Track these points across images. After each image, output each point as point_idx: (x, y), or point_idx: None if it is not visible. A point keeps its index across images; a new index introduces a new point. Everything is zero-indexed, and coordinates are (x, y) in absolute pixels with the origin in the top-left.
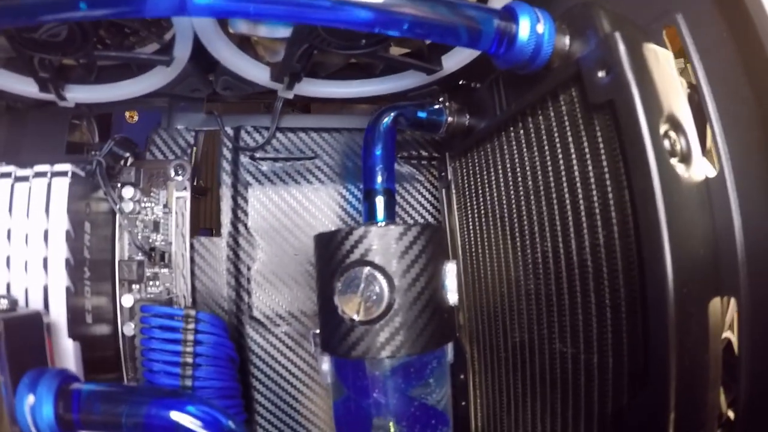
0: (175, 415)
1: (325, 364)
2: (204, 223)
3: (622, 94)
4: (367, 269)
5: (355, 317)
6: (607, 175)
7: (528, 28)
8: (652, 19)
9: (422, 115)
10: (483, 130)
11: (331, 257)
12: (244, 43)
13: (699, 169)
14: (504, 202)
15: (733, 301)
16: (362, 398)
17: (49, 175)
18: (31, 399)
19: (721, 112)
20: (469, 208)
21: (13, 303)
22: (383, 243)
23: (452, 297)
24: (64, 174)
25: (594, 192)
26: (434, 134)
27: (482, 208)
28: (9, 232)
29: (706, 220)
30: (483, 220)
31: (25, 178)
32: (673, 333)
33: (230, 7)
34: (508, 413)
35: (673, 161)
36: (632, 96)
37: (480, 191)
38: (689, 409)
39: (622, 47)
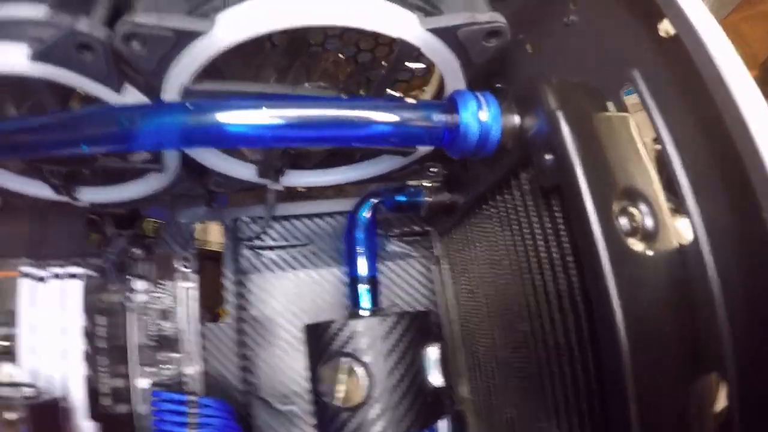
0: None
1: None
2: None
3: (567, 178)
4: (346, 359)
5: (338, 404)
6: (569, 259)
7: (471, 116)
8: (610, 80)
9: (401, 198)
10: (462, 207)
11: (316, 347)
12: None
13: (669, 240)
14: (488, 280)
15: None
16: None
17: (64, 277)
18: None
19: (689, 171)
20: (460, 283)
21: (37, 392)
22: (361, 334)
23: (436, 379)
24: (77, 276)
25: (560, 275)
26: (417, 214)
27: (471, 284)
28: (33, 326)
29: (682, 294)
30: (473, 296)
31: (42, 278)
32: (636, 425)
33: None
34: None
35: (632, 240)
36: (576, 181)
37: (467, 268)
38: None
39: (564, 128)
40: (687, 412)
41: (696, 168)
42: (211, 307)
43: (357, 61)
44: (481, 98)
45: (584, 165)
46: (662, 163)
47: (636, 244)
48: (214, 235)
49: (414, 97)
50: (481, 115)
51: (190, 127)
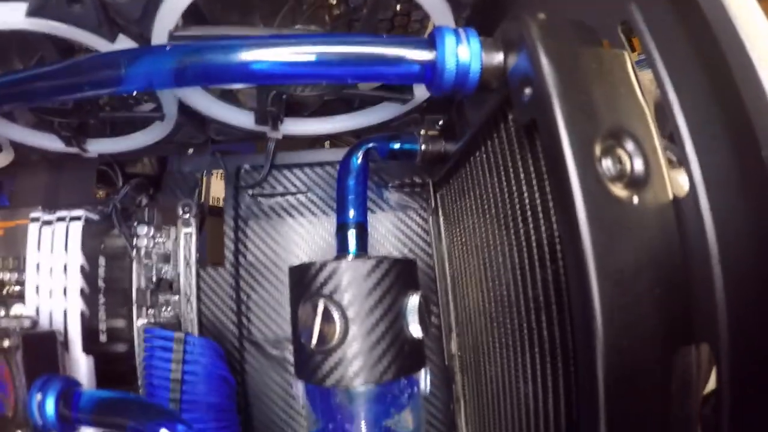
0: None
1: (299, 389)
2: (210, 255)
3: (543, 112)
4: (322, 300)
5: (313, 345)
6: (550, 204)
7: (449, 52)
8: (606, 17)
9: (395, 145)
10: (455, 155)
11: (297, 288)
12: (226, 93)
13: (660, 189)
14: (478, 230)
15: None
16: (330, 426)
17: (67, 219)
18: (38, 397)
19: (688, 116)
20: (453, 236)
21: (34, 323)
22: (340, 275)
23: (415, 330)
24: (78, 219)
25: (542, 223)
26: (412, 163)
27: (463, 236)
28: (38, 265)
29: (670, 250)
30: (465, 249)
31: (49, 222)
32: (602, 392)
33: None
34: None
35: (616, 186)
36: (552, 114)
37: (460, 219)
38: None
39: (543, 59)
40: (668, 384)
41: (696, 113)
42: (213, 261)
43: (345, 2)
44: (462, 34)
45: (563, 98)
46: (660, 108)
47: (620, 190)
48: (218, 190)
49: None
50: (460, 51)
51: (176, 67)
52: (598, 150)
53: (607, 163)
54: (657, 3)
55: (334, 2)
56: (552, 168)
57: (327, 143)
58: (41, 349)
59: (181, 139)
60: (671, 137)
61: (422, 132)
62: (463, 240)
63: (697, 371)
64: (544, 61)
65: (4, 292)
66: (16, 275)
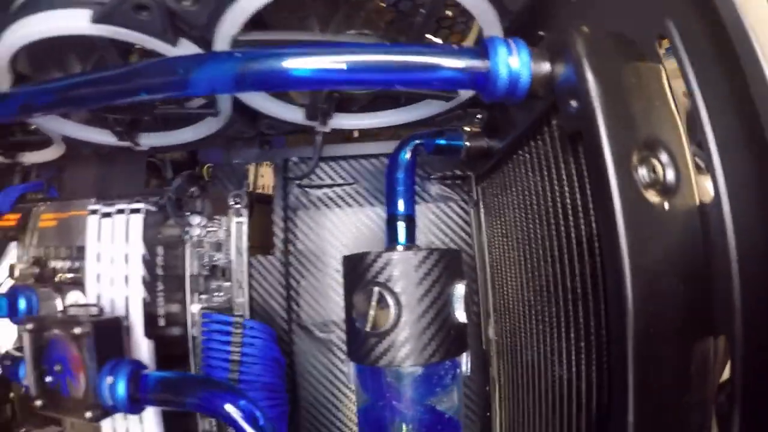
0: (228, 406)
1: (350, 369)
2: (257, 240)
3: (588, 125)
4: (378, 288)
5: (368, 329)
6: (591, 206)
7: (501, 62)
8: (644, 30)
9: (441, 142)
10: (499, 153)
11: (352, 276)
12: None
13: (689, 195)
14: (519, 224)
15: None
16: (379, 403)
17: (127, 211)
18: (109, 380)
19: (716, 128)
20: (494, 227)
21: (100, 310)
22: (393, 265)
23: (461, 315)
24: (138, 211)
25: (582, 222)
26: (456, 158)
27: (504, 228)
28: (98, 255)
29: (695, 251)
30: (505, 240)
31: (109, 214)
32: (632, 374)
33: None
34: (524, 427)
35: (650, 192)
36: (596, 128)
37: (501, 212)
38: None
39: (589, 75)
40: (688, 369)
41: (722, 125)
42: (261, 247)
43: (397, 8)
44: (512, 44)
45: (606, 113)
46: (692, 119)
47: (653, 196)
48: (266, 179)
49: (455, 39)
50: (511, 61)
51: (238, 74)
52: (635, 159)
53: (642, 172)
54: (691, 21)
55: (386, 7)
56: (594, 174)
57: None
58: (108, 335)
59: (231, 134)
60: (700, 144)
61: (466, 129)
62: (504, 232)
63: (715, 360)
64: (590, 78)
65: (57, 279)
66: (68, 263)
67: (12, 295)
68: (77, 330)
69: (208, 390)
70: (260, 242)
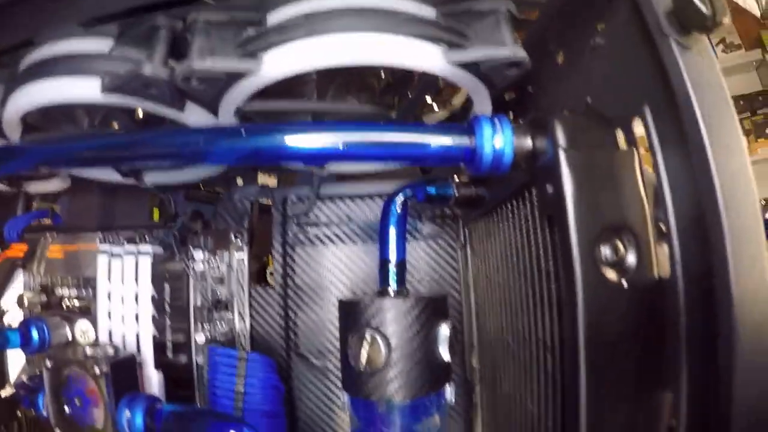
0: None
1: (345, 398)
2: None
3: (559, 212)
4: (370, 331)
5: (361, 368)
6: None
7: (486, 142)
8: (624, 108)
9: (431, 190)
10: (486, 205)
11: (347, 320)
12: None
13: (646, 274)
14: (500, 270)
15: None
16: (370, 430)
17: (136, 254)
18: (127, 413)
19: (677, 212)
20: (479, 268)
21: (116, 349)
22: (385, 311)
23: (445, 354)
24: (147, 254)
25: (553, 285)
26: (445, 205)
27: (487, 271)
28: (109, 294)
29: (648, 324)
30: (488, 281)
31: (118, 255)
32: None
33: None
34: None
35: (610, 272)
36: (566, 218)
37: (485, 256)
38: None
39: (564, 169)
40: (635, 421)
41: (682, 211)
42: (261, 255)
43: (393, 75)
44: (497, 124)
45: (575, 202)
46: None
47: (613, 275)
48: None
49: (446, 101)
50: (495, 141)
51: (241, 150)
52: (599, 242)
53: (605, 252)
54: (663, 109)
55: (382, 75)
56: (561, 253)
57: None
58: (124, 372)
59: (233, 173)
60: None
61: (456, 179)
62: (487, 274)
63: (662, 412)
64: (565, 171)
65: (65, 306)
66: (75, 291)
67: (25, 326)
68: (97, 371)
69: (215, 421)
70: (261, 251)
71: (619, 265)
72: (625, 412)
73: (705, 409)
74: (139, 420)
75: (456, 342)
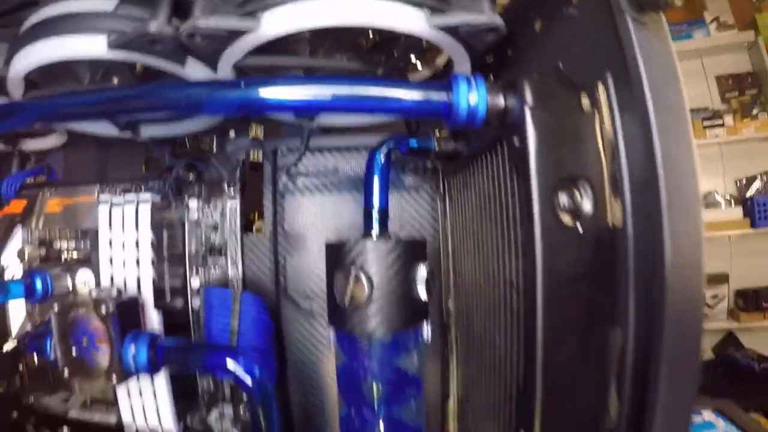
0: (229, 362)
1: (330, 334)
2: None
3: (523, 163)
4: (354, 270)
5: (346, 304)
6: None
7: (462, 98)
8: (589, 75)
9: (413, 143)
10: (463, 158)
11: (333, 260)
12: None
13: (600, 221)
14: (474, 219)
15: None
16: (354, 363)
17: (136, 202)
18: (132, 349)
19: (630, 168)
20: (456, 217)
21: (119, 292)
22: (368, 252)
23: (422, 293)
24: (147, 201)
25: (518, 228)
26: (426, 158)
27: (463, 220)
28: (111, 241)
29: (600, 265)
30: (464, 230)
31: (119, 204)
32: (540, 354)
33: None
34: (473, 385)
35: (565, 216)
36: (529, 167)
37: (462, 206)
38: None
39: (530, 127)
40: (587, 352)
41: (634, 166)
42: (251, 211)
43: (380, 35)
44: (473, 82)
45: (538, 155)
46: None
47: (568, 220)
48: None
49: (429, 62)
50: (470, 97)
51: (240, 100)
52: (558, 191)
53: (563, 199)
54: (622, 80)
55: (371, 33)
56: (523, 200)
57: None
58: (128, 312)
59: (227, 125)
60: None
61: (437, 133)
62: (463, 222)
63: (614, 347)
64: (530, 129)
65: (63, 259)
66: (74, 243)
67: (29, 277)
68: (103, 310)
69: (214, 352)
70: (251, 207)
71: (575, 211)
72: (577, 344)
73: (647, 343)
74: (143, 354)
75: (433, 283)
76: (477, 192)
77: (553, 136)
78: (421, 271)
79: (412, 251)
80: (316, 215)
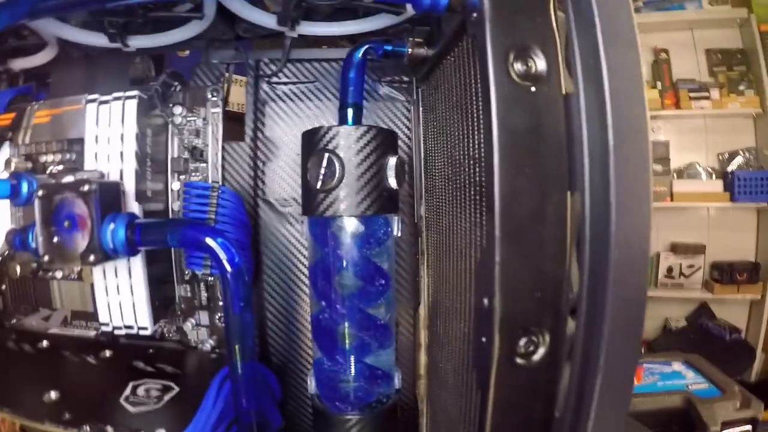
0: (208, 240)
1: (304, 226)
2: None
3: (479, 30)
4: (327, 154)
5: (318, 186)
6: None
7: None
8: None
9: (388, 48)
10: (433, 58)
11: (308, 146)
12: None
13: (556, 86)
14: (444, 118)
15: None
16: (326, 250)
17: (123, 98)
18: (111, 226)
19: (580, 36)
20: (428, 123)
21: (102, 174)
22: (340, 136)
23: (392, 182)
24: (133, 97)
25: (483, 116)
26: (401, 63)
27: (435, 123)
28: (97, 137)
29: (556, 126)
30: (435, 132)
31: (106, 101)
32: (498, 226)
33: None
34: (442, 287)
35: (519, 78)
36: (485, 32)
37: (433, 108)
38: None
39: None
40: (544, 214)
41: (584, 41)
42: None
43: None
44: None
45: (493, 24)
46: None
47: (522, 81)
48: (237, 96)
49: None
50: None
51: None
52: (512, 57)
53: (518, 66)
54: None
55: None
56: (480, 65)
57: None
58: (110, 194)
59: (212, 35)
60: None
61: (410, 39)
62: (435, 126)
63: (566, 210)
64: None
65: (47, 172)
66: (60, 156)
67: (15, 178)
68: (86, 187)
69: (192, 228)
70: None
71: (529, 75)
72: (534, 206)
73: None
74: (121, 232)
75: (404, 178)
76: (446, 89)
77: (507, 10)
78: (391, 161)
79: (382, 139)
80: (296, 121)
